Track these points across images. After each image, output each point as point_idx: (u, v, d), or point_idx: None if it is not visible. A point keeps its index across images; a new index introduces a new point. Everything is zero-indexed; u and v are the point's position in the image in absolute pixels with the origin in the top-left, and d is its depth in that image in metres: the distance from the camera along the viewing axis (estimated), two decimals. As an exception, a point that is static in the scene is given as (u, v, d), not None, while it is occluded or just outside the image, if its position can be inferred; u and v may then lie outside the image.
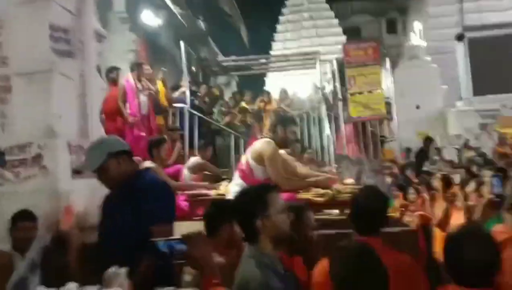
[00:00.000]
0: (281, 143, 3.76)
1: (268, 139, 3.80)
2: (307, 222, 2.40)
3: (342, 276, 1.65)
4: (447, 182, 4.99)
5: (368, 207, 2.13)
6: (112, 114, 6.57)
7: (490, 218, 3.52)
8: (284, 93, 10.17)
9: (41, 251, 2.99)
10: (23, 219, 2.84)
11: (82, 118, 3.67)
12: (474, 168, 6.58)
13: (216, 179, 5.85)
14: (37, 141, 3.26)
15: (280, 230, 1.90)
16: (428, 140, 9.87)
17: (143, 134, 6.72)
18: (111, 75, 6.83)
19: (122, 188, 2.33)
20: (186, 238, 1.57)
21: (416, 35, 13.62)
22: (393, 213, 6.16)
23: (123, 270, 1.66)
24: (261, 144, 3.78)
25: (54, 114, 3.36)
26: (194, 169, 5.60)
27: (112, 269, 1.67)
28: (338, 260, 1.70)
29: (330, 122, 9.28)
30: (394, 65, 12.01)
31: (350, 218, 2.23)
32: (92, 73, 3.91)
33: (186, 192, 4.77)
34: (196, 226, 2.87)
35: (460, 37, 12.41)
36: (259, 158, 3.68)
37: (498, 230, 2.01)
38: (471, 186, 4.72)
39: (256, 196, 1.94)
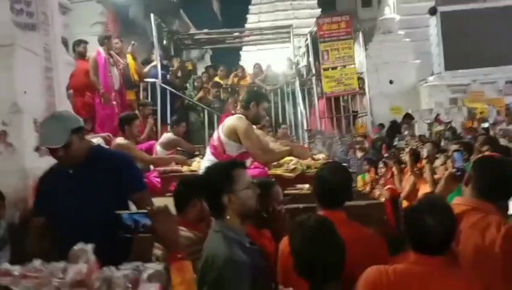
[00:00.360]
0: (254, 119, 3.76)
1: (239, 115, 3.79)
2: (275, 197, 2.44)
3: (300, 250, 1.71)
4: (415, 156, 5.10)
5: (331, 183, 2.16)
6: (80, 89, 6.42)
7: (453, 191, 3.64)
8: (258, 67, 10.09)
9: (9, 228, 2.96)
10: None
11: (48, 94, 3.59)
12: (443, 142, 6.74)
13: (189, 155, 5.85)
14: (1, 117, 3.19)
15: (246, 206, 1.93)
16: (407, 117, 10.04)
17: (116, 109, 6.61)
18: (79, 49, 6.64)
19: (84, 166, 2.27)
20: (151, 213, 1.58)
21: (390, 9, 13.64)
22: (363, 186, 6.35)
23: (89, 247, 1.66)
24: (233, 120, 3.77)
25: (18, 89, 3.28)
26: (167, 145, 5.57)
27: (79, 246, 1.68)
28: (298, 235, 1.75)
29: (303, 97, 9.30)
30: (368, 40, 12.01)
31: (314, 193, 2.28)
32: (58, 47, 3.81)
33: (161, 167, 4.76)
34: (168, 201, 2.88)
35: (432, 11, 12.44)
36: (231, 134, 3.67)
37: (456, 202, 2.09)
38: (439, 159, 4.83)
39: (222, 172, 1.97)
